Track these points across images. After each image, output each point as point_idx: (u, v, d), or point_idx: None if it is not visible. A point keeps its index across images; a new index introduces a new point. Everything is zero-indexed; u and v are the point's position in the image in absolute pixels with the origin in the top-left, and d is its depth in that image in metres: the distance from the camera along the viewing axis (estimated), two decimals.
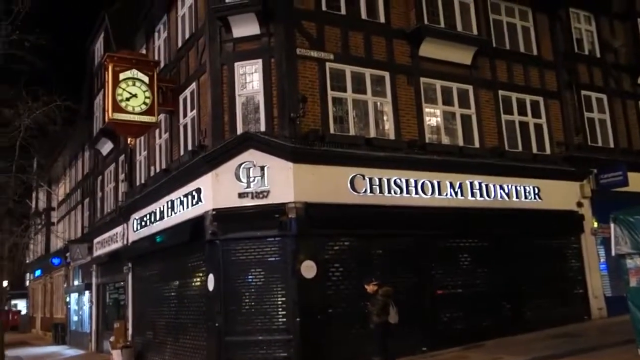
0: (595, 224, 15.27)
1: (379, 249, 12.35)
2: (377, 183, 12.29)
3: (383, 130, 13.11)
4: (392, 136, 13.06)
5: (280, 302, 11.37)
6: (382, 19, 13.63)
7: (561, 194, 14.92)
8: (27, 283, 39.96)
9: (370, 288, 10.09)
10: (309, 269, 11.22)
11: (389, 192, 12.42)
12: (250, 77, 12.45)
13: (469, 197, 13.47)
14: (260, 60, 12.27)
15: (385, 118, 13.25)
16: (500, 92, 14.99)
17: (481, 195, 13.64)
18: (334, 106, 12.54)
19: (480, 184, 13.64)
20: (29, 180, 20.79)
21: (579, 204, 15.32)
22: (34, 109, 16.86)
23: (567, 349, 10.58)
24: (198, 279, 12.78)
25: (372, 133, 12.80)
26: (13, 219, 22.37)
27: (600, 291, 15.09)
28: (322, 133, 12.04)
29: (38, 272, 34.79)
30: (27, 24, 16.51)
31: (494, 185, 13.86)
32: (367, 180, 12.16)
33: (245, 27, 12.34)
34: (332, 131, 12.27)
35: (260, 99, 12.15)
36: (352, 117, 12.75)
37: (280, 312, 11.35)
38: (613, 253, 9.32)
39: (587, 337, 12.25)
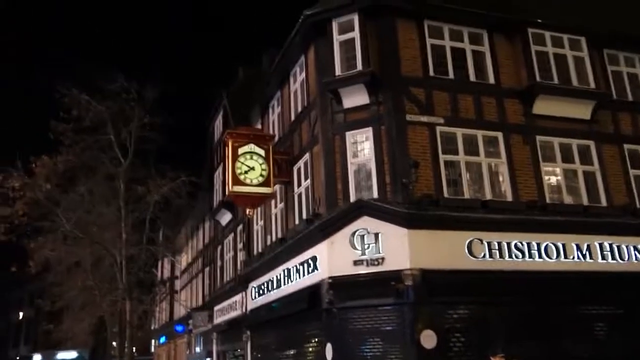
0: None
1: (502, 317, 11.64)
2: (497, 247, 11.81)
3: (499, 192, 12.71)
4: (509, 198, 12.61)
5: None
6: (492, 80, 13.51)
7: None
8: (153, 349, 41.86)
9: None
10: (428, 338, 10.82)
11: (510, 256, 11.87)
12: (361, 146, 12.71)
13: (599, 260, 12.51)
14: (370, 129, 12.52)
15: (501, 179, 12.87)
16: (626, 146, 14.10)
17: (613, 258, 12.61)
18: (447, 169, 12.41)
19: (610, 245, 12.64)
20: (157, 252, 22.21)
21: None
22: (162, 185, 18.25)
23: None
24: (315, 348, 12.73)
25: (488, 195, 12.45)
26: (143, 289, 23.89)
27: None
28: (435, 197, 11.89)
29: (163, 339, 36.40)
30: (155, 108, 18.27)
31: (626, 247, 12.79)
32: (486, 244, 11.73)
33: (355, 98, 12.73)
34: (446, 195, 12.09)
35: (372, 166, 12.31)
36: (465, 180, 12.51)
37: None
38: None
39: None
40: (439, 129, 12.57)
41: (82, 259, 20.11)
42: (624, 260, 12.70)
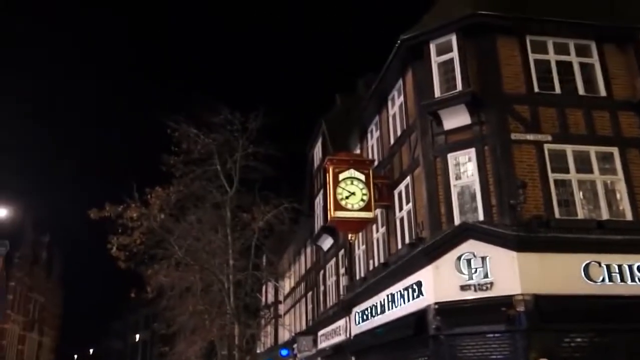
0: None
1: (626, 346, 10.79)
2: (617, 270, 11.04)
3: (617, 211, 11.91)
4: (629, 217, 11.78)
5: None
6: (603, 92, 12.82)
7: None
8: None
9: None
10: None
11: (633, 279, 11.04)
12: (464, 167, 12.44)
13: None
14: (473, 150, 12.24)
15: (618, 197, 12.06)
16: None
17: None
18: (557, 189, 11.83)
19: None
20: (261, 277, 22.79)
21: None
22: (265, 212, 18.80)
23: None
24: None
25: (605, 215, 11.70)
26: (249, 313, 24.55)
27: None
28: (546, 218, 11.35)
29: None
30: (258, 138, 18.95)
31: None
32: (604, 267, 11.00)
33: (456, 119, 12.52)
34: (557, 216, 11.51)
35: (477, 187, 11.99)
36: (578, 199, 11.87)
37: None
38: None
39: None
40: (547, 146, 12.06)
41: (192, 284, 20.99)
42: None
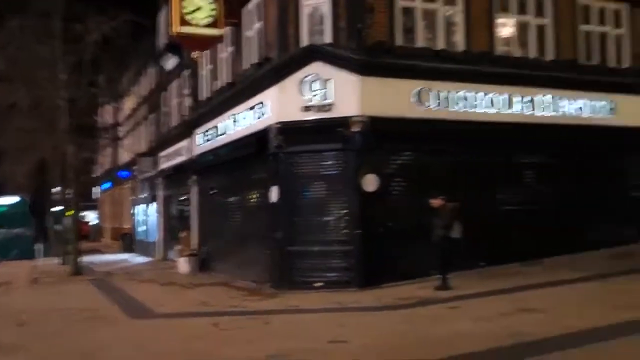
0: None
1: (444, 165, 12.13)
2: (445, 97, 11.98)
3: (452, 42, 12.58)
4: (461, 48, 12.54)
5: (342, 215, 11.54)
6: None
7: (638, 110, 14.10)
8: (95, 196, 41.93)
9: (436, 203, 10.12)
10: (370, 182, 11.23)
11: (456, 106, 12.11)
12: None
13: (540, 113, 12.98)
14: None
15: (455, 29, 12.68)
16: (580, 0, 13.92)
17: (553, 110, 13.14)
18: (403, 16, 12.06)
19: (552, 98, 13.09)
20: (98, 95, 21.35)
21: None
22: (102, 23, 16.98)
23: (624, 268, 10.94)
24: (261, 192, 13.00)
25: (441, 45, 12.33)
26: (85, 133, 23.26)
27: None
28: (389, 45, 11.68)
29: (106, 185, 36.47)
30: None
31: (567, 100, 13.31)
32: (435, 93, 11.87)
33: None
34: (399, 43, 11.89)
35: (327, 9, 11.81)
36: (420, 28, 12.28)
37: (341, 225, 11.55)
38: None
39: None
40: None
41: (18, 100, 19.06)
42: (561, 113, 13.28)
